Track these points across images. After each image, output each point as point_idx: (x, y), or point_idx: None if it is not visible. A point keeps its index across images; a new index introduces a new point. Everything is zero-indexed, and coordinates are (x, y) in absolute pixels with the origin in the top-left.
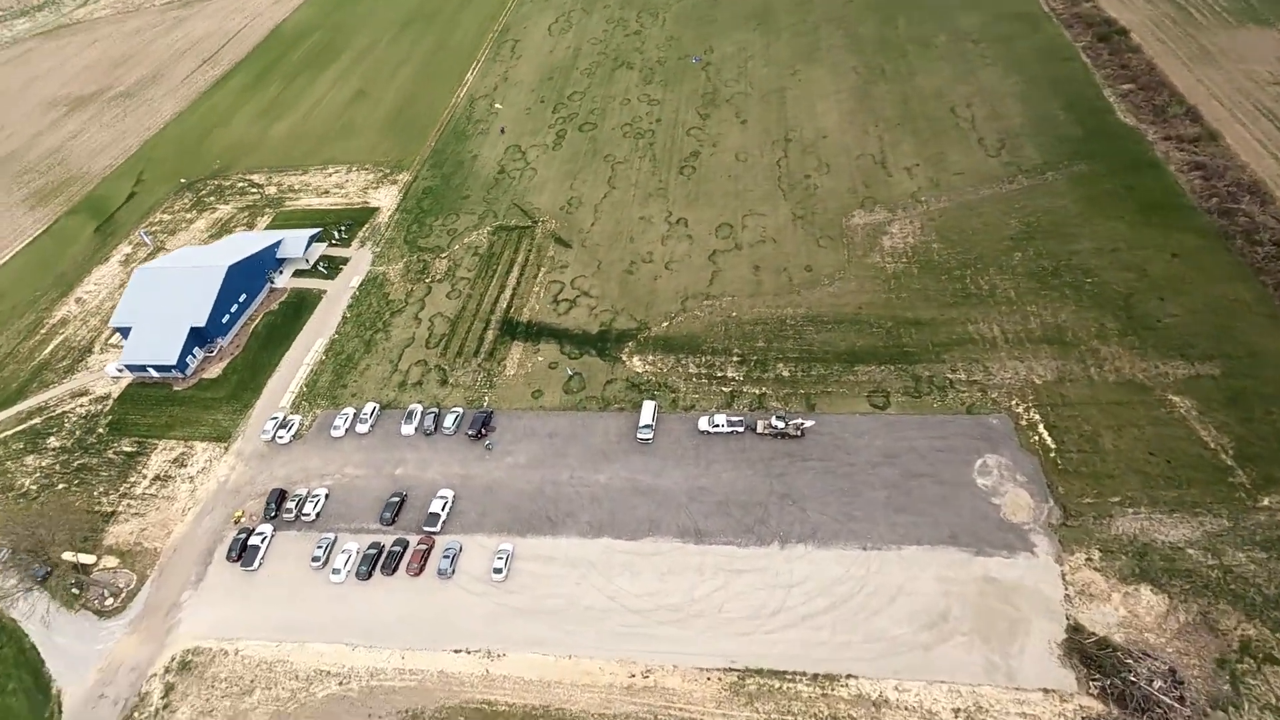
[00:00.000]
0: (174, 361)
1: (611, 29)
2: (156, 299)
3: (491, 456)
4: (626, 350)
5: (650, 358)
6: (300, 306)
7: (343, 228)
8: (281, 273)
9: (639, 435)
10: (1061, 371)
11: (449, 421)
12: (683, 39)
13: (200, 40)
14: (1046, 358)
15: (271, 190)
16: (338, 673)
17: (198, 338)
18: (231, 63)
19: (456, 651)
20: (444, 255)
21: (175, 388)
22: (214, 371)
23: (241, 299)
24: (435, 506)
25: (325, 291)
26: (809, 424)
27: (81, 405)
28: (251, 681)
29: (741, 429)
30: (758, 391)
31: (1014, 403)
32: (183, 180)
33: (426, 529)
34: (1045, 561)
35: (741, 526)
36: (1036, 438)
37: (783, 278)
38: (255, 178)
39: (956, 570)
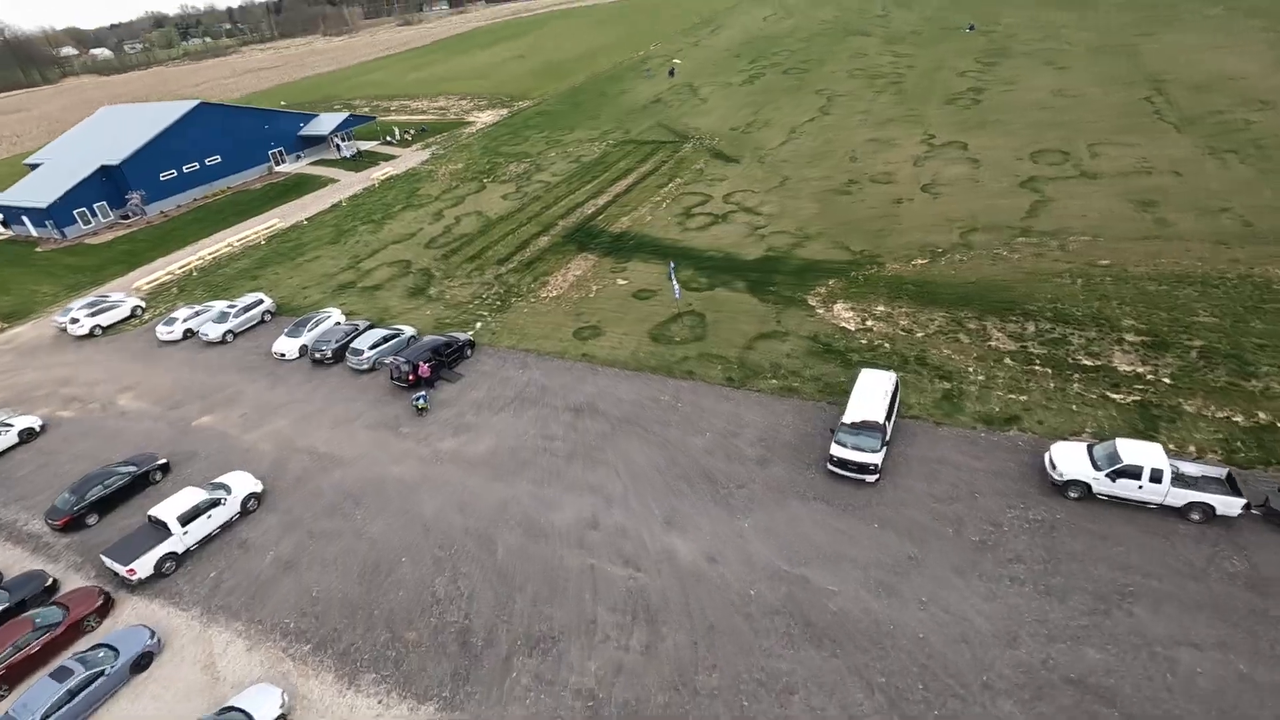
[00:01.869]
0: (45, 204)
1: (844, 14)
2: (93, 137)
3: (418, 425)
4: (822, 290)
5: (880, 307)
6: (290, 190)
7: (410, 131)
8: (300, 157)
9: (837, 450)
10: None
11: (364, 345)
12: (947, 17)
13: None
14: None
15: (365, 110)
16: None
17: (108, 186)
18: (420, 44)
19: None
20: (527, 160)
21: (38, 249)
22: (104, 237)
23: (211, 161)
24: (176, 507)
25: (337, 181)
26: None
27: None
28: None
29: (1233, 508)
30: (1240, 420)
31: None
32: (283, 103)
33: (112, 562)
34: None
35: None
36: None
37: (1220, 221)
38: (356, 101)
39: None
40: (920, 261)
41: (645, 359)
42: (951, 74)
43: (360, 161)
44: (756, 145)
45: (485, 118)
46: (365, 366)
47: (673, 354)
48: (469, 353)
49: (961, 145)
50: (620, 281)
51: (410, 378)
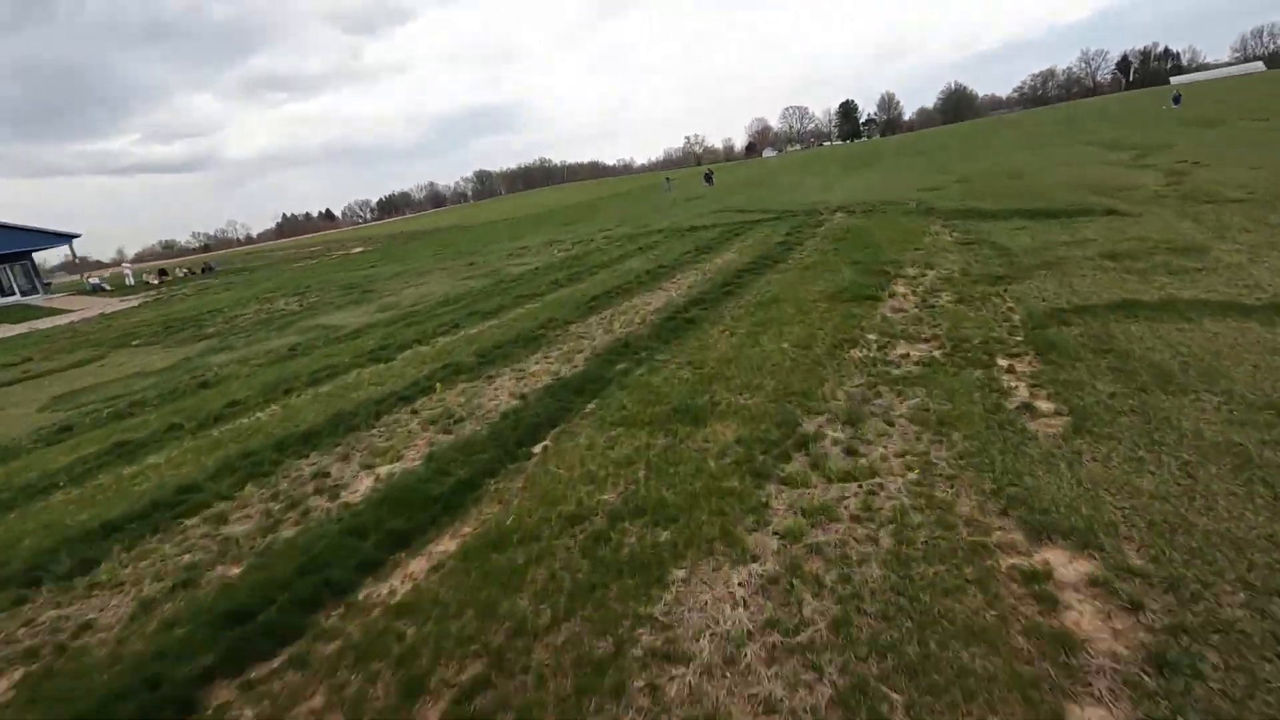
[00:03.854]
0: None
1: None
2: None
3: None
4: None
5: None
6: None
7: (162, 274)
8: None
9: None
10: None
11: None
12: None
13: None
14: None
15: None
16: None
17: None
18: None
19: None
20: (363, 286)
21: None
22: None
23: None
24: None
25: None
26: None
27: None
28: None
29: None
30: None
31: None
32: None
33: None
34: None
35: None
36: None
37: None
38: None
39: None
40: None
41: None
42: (1247, 120)
43: None
44: (1117, 191)
45: (361, 248)
46: None
47: None
48: None
49: None
50: None
51: None
